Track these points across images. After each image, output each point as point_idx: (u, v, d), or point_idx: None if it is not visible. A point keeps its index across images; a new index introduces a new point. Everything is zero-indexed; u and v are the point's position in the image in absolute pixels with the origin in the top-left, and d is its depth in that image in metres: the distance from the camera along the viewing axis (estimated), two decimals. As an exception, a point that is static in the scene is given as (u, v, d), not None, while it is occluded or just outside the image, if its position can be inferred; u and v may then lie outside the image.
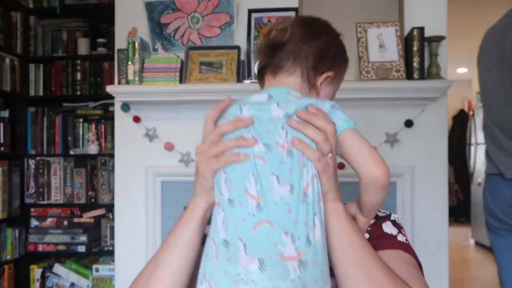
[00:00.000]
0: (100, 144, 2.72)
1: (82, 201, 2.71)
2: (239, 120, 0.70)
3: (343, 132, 0.69)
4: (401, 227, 0.88)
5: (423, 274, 0.83)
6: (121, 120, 2.27)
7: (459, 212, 6.11)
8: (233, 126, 0.70)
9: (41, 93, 2.79)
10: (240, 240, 0.61)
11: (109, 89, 2.11)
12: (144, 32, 2.21)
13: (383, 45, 2.01)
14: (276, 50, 0.78)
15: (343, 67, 0.85)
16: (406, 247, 0.82)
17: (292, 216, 0.61)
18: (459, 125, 6.37)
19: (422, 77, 2.00)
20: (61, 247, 2.67)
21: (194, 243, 0.74)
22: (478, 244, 5.05)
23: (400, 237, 0.84)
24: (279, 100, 0.71)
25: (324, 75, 0.79)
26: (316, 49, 0.78)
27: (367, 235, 0.83)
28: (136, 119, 2.23)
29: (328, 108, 0.71)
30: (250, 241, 0.60)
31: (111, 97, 2.19)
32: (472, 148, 5.18)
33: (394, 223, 0.88)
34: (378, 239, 0.82)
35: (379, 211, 0.89)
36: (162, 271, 0.75)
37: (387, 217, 0.89)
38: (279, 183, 0.62)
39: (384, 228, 0.85)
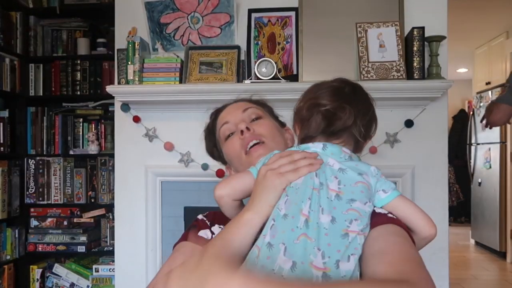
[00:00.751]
0: (100, 144, 2.72)
1: (82, 201, 2.71)
2: (309, 152, 0.84)
3: (395, 200, 0.83)
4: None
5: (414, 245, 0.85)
6: (121, 120, 2.27)
7: (459, 212, 6.11)
8: (303, 154, 0.83)
9: (41, 93, 2.78)
10: (282, 244, 0.72)
11: (109, 89, 2.11)
12: (144, 32, 2.20)
13: (383, 45, 2.01)
14: (333, 121, 0.87)
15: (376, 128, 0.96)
16: (397, 221, 0.84)
17: (327, 239, 0.72)
18: (459, 125, 6.37)
19: (422, 77, 1.99)
20: (61, 247, 2.67)
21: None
22: (478, 244, 5.05)
23: (390, 215, 0.85)
24: (333, 152, 0.85)
25: (369, 140, 0.93)
26: (367, 122, 0.91)
27: None
28: (136, 119, 2.23)
29: (373, 172, 0.83)
30: (291, 247, 0.71)
31: (111, 97, 2.19)
32: (472, 148, 5.17)
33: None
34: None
35: None
36: None
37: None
38: (323, 214, 0.75)
39: (375, 209, 0.87)
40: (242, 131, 0.99)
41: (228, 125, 1.03)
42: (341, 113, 0.86)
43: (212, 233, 0.96)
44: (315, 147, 0.86)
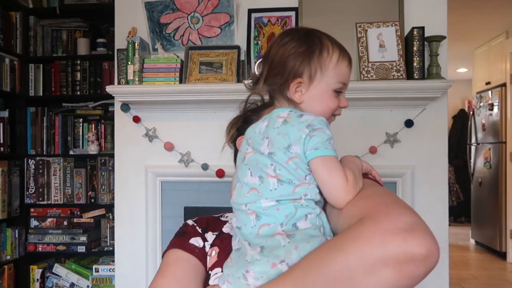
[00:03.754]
0: (100, 144, 2.72)
1: (82, 201, 2.71)
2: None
3: (312, 161, 0.75)
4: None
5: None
6: (121, 120, 2.27)
7: (459, 212, 6.11)
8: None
9: (41, 93, 2.78)
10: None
11: (109, 89, 2.11)
12: (144, 32, 2.20)
13: (383, 45, 2.01)
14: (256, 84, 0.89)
15: (314, 62, 0.82)
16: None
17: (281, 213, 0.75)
18: (459, 125, 6.37)
19: (422, 77, 1.99)
20: (61, 247, 2.67)
21: None
22: (478, 244, 5.05)
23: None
24: (268, 123, 0.82)
25: (293, 85, 0.83)
26: (269, 65, 0.85)
27: None
28: (136, 119, 2.23)
29: (302, 135, 0.76)
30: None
31: (111, 97, 2.19)
32: (472, 148, 5.17)
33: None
34: None
35: None
36: None
37: None
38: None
39: None
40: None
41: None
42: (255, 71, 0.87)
43: (205, 240, 0.93)
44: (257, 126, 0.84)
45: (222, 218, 1.01)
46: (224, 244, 0.89)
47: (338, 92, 0.85)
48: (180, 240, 0.92)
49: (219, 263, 0.85)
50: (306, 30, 0.87)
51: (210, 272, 0.86)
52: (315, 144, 0.75)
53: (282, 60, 0.83)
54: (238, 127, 0.97)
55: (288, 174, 0.76)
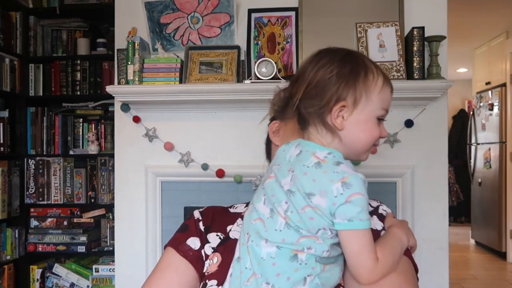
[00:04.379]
0: (100, 144, 2.72)
1: (82, 201, 2.71)
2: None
3: (343, 232, 0.70)
4: None
5: (415, 274, 0.80)
6: (121, 120, 2.27)
7: (459, 212, 6.11)
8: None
9: (41, 93, 2.78)
10: None
11: (109, 89, 2.11)
12: (144, 32, 2.20)
13: (383, 45, 2.01)
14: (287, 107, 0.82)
15: (360, 85, 0.75)
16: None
17: (275, 269, 0.71)
18: (459, 125, 6.37)
19: (422, 77, 1.99)
20: (61, 247, 2.67)
21: None
22: (478, 244, 5.05)
23: (383, 233, 0.80)
24: (299, 158, 0.76)
25: (336, 108, 0.75)
26: (306, 87, 0.76)
27: None
28: (136, 119, 2.23)
29: (334, 192, 0.69)
30: None
31: (111, 97, 2.19)
32: (472, 148, 5.17)
33: (381, 216, 0.85)
34: None
35: (369, 204, 0.84)
36: None
37: (375, 211, 0.86)
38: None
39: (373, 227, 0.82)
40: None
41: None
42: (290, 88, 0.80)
43: (207, 241, 0.89)
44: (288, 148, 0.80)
45: (231, 210, 0.97)
46: (227, 251, 0.85)
47: (380, 120, 0.78)
48: (179, 237, 0.91)
49: (218, 274, 0.83)
50: (347, 50, 0.79)
51: (207, 281, 0.84)
52: (351, 215, 0.68)
53: (322, 81, 0.75)
54: (276, 109, 0.85)
55: (298, 221, 0.70)
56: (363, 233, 0.69)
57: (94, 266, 2.58)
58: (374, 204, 0.88)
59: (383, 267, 0.71)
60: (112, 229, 2.62)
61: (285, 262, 0.70)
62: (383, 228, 0.82)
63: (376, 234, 0.78)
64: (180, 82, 2.11)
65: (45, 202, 2.73)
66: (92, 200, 2.71)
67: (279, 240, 0.71)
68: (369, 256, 0.70)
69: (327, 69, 0.75)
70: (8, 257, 2.61)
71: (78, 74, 2.74)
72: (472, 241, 5.20)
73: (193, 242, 0.89)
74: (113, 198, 2.48)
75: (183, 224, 0.95)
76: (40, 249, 2.69)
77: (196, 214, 0.95)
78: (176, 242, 0.90)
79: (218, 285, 0.80)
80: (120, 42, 2.23)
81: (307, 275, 0.70)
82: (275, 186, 0.74)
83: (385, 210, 0.87)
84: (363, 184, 0.70)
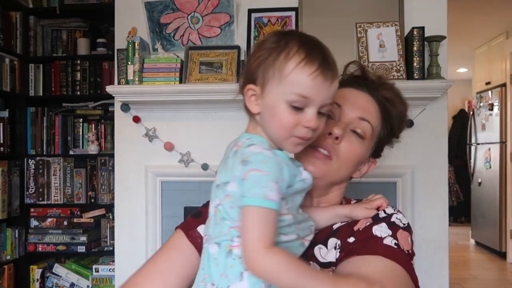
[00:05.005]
0: (100, 144, 2.72)
1: (82, 201, 2.71)
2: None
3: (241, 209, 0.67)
4: (399, 229, 0.80)
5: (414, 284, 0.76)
6: (121, 120, 2.27)
7: (459, 212, 6.11)
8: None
9: (41, 93, 2.78)
10: None
11: (109, 89, 2.11)
12: (144, 32, 2.20)
13: (383, 45, 2.01)
14: None
15: (269, 65, 0.70)
16: (390, 253, 0.74)
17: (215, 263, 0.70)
18: (459, 125, 6.37)
19: (422, 77, 1.99)
20: (61, 247, 2.67)
21: None
22: (478, 244, 5.05)
23: (388, 240, 0.76)
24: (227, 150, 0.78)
25: (245, 91, 0.73)
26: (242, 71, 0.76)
27: (352, 239, 0.79)
28: (136, 119, 2.23)
29: (238, 174, 0.67)
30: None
31: (111, 97, 2.19)
32: (472, 148, 5.17)
33: (392, 224, 0.80)
34: (361, 243, 0.77)
35: (383, 211, 0.83)
36: None
37: (387, 218, 0.82)
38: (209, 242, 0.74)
39: (374, 230, 0.79)
40: (331, 136, 0.81)
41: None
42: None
43: None
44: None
45: None
46: None
47: (297, 108, 0.69)
48: (191, 222, 0.92)
49: None
50: (289, 31, 0.74)
51: None
52: (245, 191, 0.65)
53: (249, 61, 0.73)
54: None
55: (224, 212, 0.70)
56: (254, 210, 0.64)
57: (94, 266, 2.58)
58: (390, 211, 0.84)
59: (272, 262, 0.63)
60: (112, 229, 2.62)
61: (223, 260, 0.69)
62: (391, 236, 0.77)
63: (378, 241, 0.76)
64: (180, 82, 2.11)
65: (45, 202, 2.73)
66: (92, 200, 2.71)
67: (217, 233, 0.71)
68: (255, 236, 0.63)
69: (254, 49, 0.74)
70: (8, 257, 2.61)
71: (78, 74, 2.74)
72: (472, 241, 5.20)
73: (203, 230, 0.88)
74: (113, 198, 2.48)
75: (198, 210, 0.95)
76: (40, 249, 2.69)
77: None
78: (187, 226, 0.91)
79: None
80: (120, 42, 2.23)
81: (244, 270, 0.67)
82: (213, 183, 0.75)
83: (399, 220, 0.82)
84: (267, 161, 0.66)
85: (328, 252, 0.81)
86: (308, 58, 0.69)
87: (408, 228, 0.82)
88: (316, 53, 0.70)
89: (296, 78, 0.68)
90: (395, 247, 0.75)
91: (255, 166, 0.65)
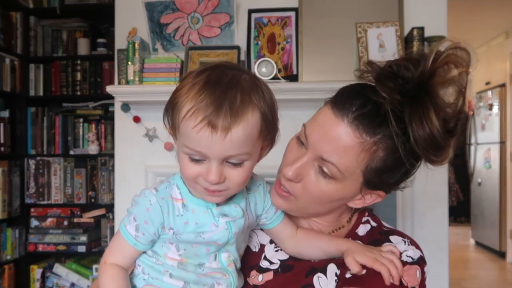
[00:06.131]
0: (100, 144, 2.72)
1: (82, 201, 2.71)
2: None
3: None
4: (406, 265, 0.73)
5: None
6: (121, 120, 2.27)
7: (459, 212, 6.11)
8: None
9: (41, 93, 2.79)
10: None
11: (109, 89, 2.11)
12: (144, 32, 2.21)
13: (383, 45, 2.01)
14: None
15: (169, 109, 0.69)
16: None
17: None
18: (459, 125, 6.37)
19: (422, 77, 1.99)
20: (61, 247, 2.67)
21: None
22: (478, 244, 5.05)
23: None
24: None
25: (170, 135, 0.75)
26: None
27: (349, 275, 0.74)
28: (136, 119, 2.23)
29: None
30: None
31: (111, 97, 2.19)
32: (472, 148, 5.18)
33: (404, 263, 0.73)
34: (360, 275, 0.71)
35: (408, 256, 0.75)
36: None
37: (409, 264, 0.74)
38: None
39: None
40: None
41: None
42: None
43: None
44: None
45: None
46: None
47: (196, 160, 0.65)
48: None
49: None
50: (218, 65, 0.68)
51: None
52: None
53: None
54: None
55: None
56: (117, 231, 0.73)
57: (94, 266, 2.58)
58: (402, 248, 0.76)
59: (102, 273, 0.72)
60: (112, 229, 2.62)
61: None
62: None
63: (378, 277, 0.69)
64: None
65: (45, 202, 2.73)
66: (92, 200, 2.71)
67: None
68: (106, 250, 0.74)
69: (180, 79, 0.70)
70: (8, 257, 2.62)
71: (78, 74, 2.74)
72: (472, 241, 5.20)
73: None
74: (113, 198, 2.48)
75: None
76: (40, 249, 2.69)
77: None
78: None
79: None
80: (120, 42, 2.23)
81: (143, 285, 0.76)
82: None
83: (410, 256, 0.75)
84: (141, 200, 0.71)
85: (327, 282, 0.76)
86: (196, 106, 0.62)
87: (417, 262, 0.75)
88: (208, 99, 0.62)
89: (184, 130, 0.64)
90: (397, 283, 0.69)
91: (133, 202, 0.72)
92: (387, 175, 0.75)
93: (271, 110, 0.69)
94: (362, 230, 0.82)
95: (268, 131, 0.68)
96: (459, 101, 0.70)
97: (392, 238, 0.78)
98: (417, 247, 0.78)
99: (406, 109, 0.69)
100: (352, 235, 0.82)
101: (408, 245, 0.77)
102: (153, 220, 0.70)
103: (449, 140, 0.71)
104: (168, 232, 0.70)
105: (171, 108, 0.66)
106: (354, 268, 0.70)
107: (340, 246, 0.75)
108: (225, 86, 0.63)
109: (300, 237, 0.80)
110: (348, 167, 0.72)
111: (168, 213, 0.70)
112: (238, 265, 0.78)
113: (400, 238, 0.78)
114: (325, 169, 0.73)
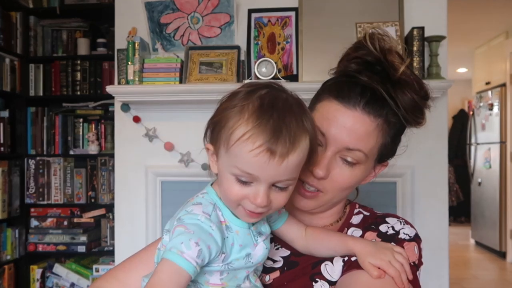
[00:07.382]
0: (100, 144, 2.72)
1: (82, 201, 2.71)
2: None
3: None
4: (404, 241, 0.79)
5: None
6: (121, 120, 2.27)
7: (459, 212, 6.11)
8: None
9: (41, 93, 2.79)
10: None
11: (109, 89, 2.11)
12: (144, 32, 2.20)
13: (383, 45, 2.01)
14: None
15: (218, 131, 0.67)
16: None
17: None
18: (459, 125, 6.37)
19: (422, 77, 1.99)
20: (61, 247, 2.67)
21: None
22: (478, 244, 5.05)
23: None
24: None
25: (206, 148, 0.73)
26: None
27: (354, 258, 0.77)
28: (136, 119, 2.23)
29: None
30: None
31: (111, 97, 2.19)
32: (472, 148, 5.18)
33: (399, 240, 0.79)
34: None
35: (391, 227, 0.82)
36: None
37: (395, 236, 0.80)
38: None
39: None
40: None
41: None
42: None
43: None
44: None
45: None
46: None
47: (244, 181, 0.65)
48: None
49: None
50: (262, 85, 0.68)
51: None
52: (168, 243, 0.66)
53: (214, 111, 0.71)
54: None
55: (157, 257, 0.74)
56: (166, 263, 0.64)
57: (94, 266, 2.58)
58: (398, 227, 0.82)
59: None
60: (112, 229, 2.62)
61: None
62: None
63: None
64: (180, 82, 2.11)
65: (45, 202, 2.73)
66: (92, 200, 2.71)
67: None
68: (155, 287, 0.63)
69: (223, 99, 0.70)
70: (8, 257, 2.62)
71: (78, 74, 2.74)
72: (472, 241, 5.20)
73: None
74: (113, 198, 2.49)
75: None
76: (40, 249, 2.69)
77: None
78: None
79: None
80: (120, 42, 2.23)
81: None
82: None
83: (407, 234, 0.81)
84: (196, 223, 0.66)
85: (334, 268, 0.79)
86: (253, 130, 0.62)
87: (414, 239, 0.81)
88: (266, 123, 0.62)
89: (238, 151, 0.63)
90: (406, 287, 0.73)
91: (182, 223, 0.67)
92: (393, 145, 0.88)
93: (316, 132, 0.72)
94: (356, 220, 0.88)
95: (313, 153, 0.70)
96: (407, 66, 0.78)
97: (388, 219, 0.85)
98: (412, 226, 0.85)
99: (390, 87, 0.78)
100: (347, 225, 0.88)
101: (404, 224, 0.84)
102: (218, 243, 0.67)
103: (425, 102, 0.82)
104: (219, 257, 0.68)
105: (217, 127, 0.67)
106: (373, 273, 0.72)
107: (350, 247, 0.77)
108: (281, 111, 0.64)
109: (310, 238, 0.82)
110: (371, 148, 0.80)
111: (223, 238, 0.68)
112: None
113: (395, 219, 0.85)
114: (349, 159, 0.79)
